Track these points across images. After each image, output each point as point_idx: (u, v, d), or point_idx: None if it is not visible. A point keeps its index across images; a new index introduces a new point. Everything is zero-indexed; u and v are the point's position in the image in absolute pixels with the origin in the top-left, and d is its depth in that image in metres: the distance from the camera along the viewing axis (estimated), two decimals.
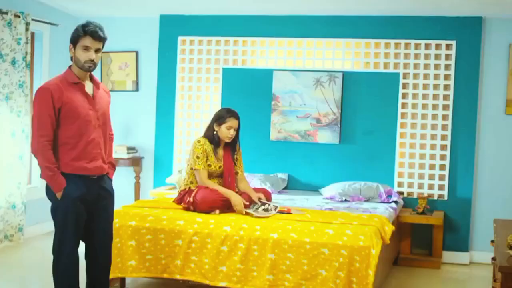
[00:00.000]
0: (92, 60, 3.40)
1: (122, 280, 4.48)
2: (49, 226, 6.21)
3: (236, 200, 4.47)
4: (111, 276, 4.29)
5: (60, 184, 3.36)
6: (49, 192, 3.44)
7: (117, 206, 4.91)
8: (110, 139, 3.67)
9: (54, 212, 3.44)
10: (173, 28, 6.35)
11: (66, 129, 3.39)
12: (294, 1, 5.52)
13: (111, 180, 3.66)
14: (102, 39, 3.43)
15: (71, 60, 3.46)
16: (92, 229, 3.55)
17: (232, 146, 4.76)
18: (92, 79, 3.54)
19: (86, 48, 3.38)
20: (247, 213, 4.43)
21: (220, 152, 4.71)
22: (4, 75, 5.32)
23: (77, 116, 3.39)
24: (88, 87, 3.49)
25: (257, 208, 4.46)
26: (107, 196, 3.61)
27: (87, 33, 3.37)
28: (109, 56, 6.54)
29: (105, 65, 6.57)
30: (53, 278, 3.48)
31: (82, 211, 3.45)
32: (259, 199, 4.59)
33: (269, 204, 4.51)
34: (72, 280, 3.47)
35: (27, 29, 5.52)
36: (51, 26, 6.08)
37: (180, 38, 6.33)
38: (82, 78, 3.46)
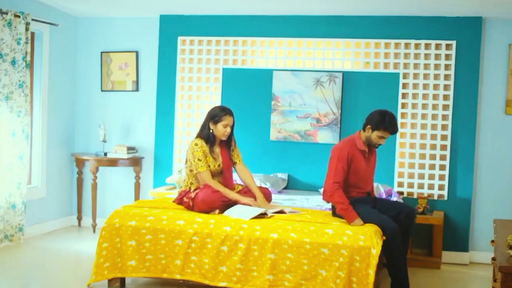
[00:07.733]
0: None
1: (122, 280, 4.47)
2: (49, 226, 6.24)
3: (246, 202, 4.55)
4: (111, 276, 4.31)
5: None
6: None
7: (117, 206, 4.93)
8: None
9: None
10: (173, 28, 6.35)
11: None
12: (294, 1, 5.52)
13: None
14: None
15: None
16: None
17: (227, 142, 4.76)
18: None
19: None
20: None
21: (217, 149, 4.71)
22: (4, 75, 5.31)
23: None
24: None
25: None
26: None
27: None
28: (109, 56, 6.54)
29: (105, 65, 6.57)
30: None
31: None
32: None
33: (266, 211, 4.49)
34: None
35: (27, 29, 5.51)
36: (51, 26, 6.08)
37: (180, 38, 6.33)
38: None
